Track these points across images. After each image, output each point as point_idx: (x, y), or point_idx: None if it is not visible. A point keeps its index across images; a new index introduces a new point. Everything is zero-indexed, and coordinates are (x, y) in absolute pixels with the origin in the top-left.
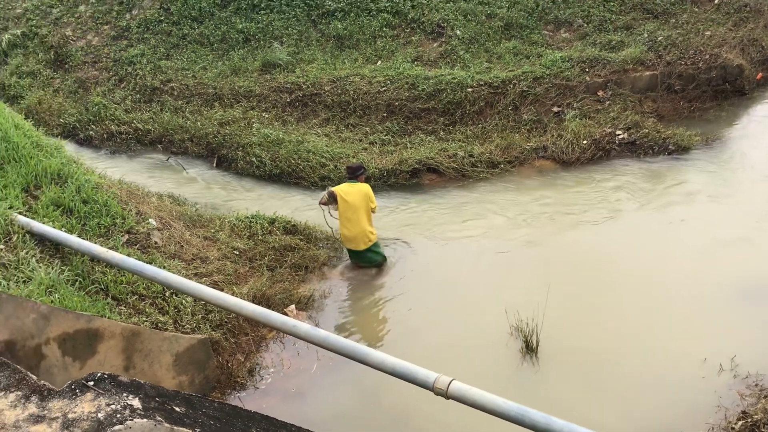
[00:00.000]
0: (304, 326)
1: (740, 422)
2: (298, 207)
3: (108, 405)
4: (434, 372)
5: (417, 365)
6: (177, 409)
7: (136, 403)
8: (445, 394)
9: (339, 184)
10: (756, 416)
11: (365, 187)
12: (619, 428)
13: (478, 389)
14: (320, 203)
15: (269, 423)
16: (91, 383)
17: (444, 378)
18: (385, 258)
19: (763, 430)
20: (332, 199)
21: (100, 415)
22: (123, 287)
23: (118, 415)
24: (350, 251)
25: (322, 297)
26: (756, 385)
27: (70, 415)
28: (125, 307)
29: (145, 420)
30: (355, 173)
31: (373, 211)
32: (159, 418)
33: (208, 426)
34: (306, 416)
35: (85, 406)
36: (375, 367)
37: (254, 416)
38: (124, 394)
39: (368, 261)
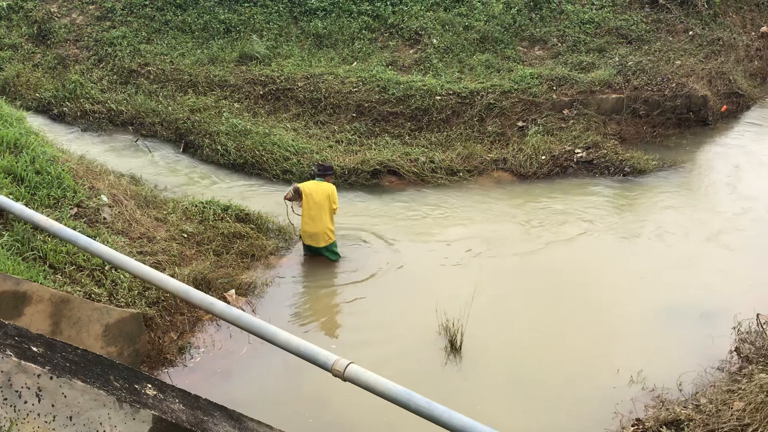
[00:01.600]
0: (220, 304)
1: (633, 428)
2: (250, 196)
3: None
4: (334, 355)
5: (323, 349)
6: (34, 348)
7: None
8: (342, 376)
9: (300, 178)
10: (647, 423)
11: (330, 188)
12: (527, 429)
13: (373, 373)
14: (285, 198)
15: (131, 373)
16: None
17: (342, 361)
18: (339, 257)
19: None
20: (297, 195)
21: None
22: (62, 257)
23: None
24: (306, 246)
25: (264, 284)
26: (658, 396)
27: None
28: (62, 275)
29: None
30: (324, 172)
31: (334, 211)
32: (9, 353)
33: (62, 366)
34: (228, 395)
35: None
36: (281, 347)
37: (117, 366)
38: None
39: (326, 256)
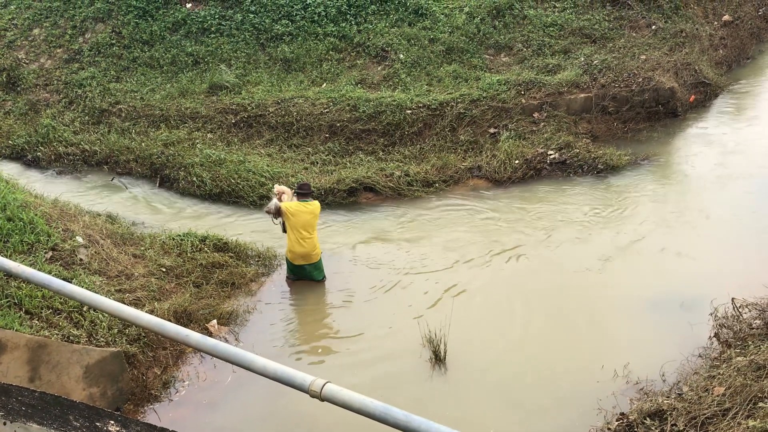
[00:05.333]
0: (195, 336)
1: (617, 422)
2: (228, 224)
3: None
4: (311, 376)
5: (299, 371)
6: None
7: None
8: (320, 396)
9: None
10: (632, 417)
11: (317, 207)
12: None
13: (349, 391)
14: (266, 211)
15: (93, 411)
16: None
17: (319, 381)
18: (324, 276)
19: (637, 429)
20: (277, 213)
21: None
22: (38, 301)
23: None
24: (297, 267)
25: (245, 312)
26: (642, 389)
27: None
28: (38, 320)
29: None
30: (309, 191)
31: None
32: None
33: (18, 411)
34: (213, 425)
35: None
36: (259, 373)
37: (77, 405)
38: None
39: (311, 277)
